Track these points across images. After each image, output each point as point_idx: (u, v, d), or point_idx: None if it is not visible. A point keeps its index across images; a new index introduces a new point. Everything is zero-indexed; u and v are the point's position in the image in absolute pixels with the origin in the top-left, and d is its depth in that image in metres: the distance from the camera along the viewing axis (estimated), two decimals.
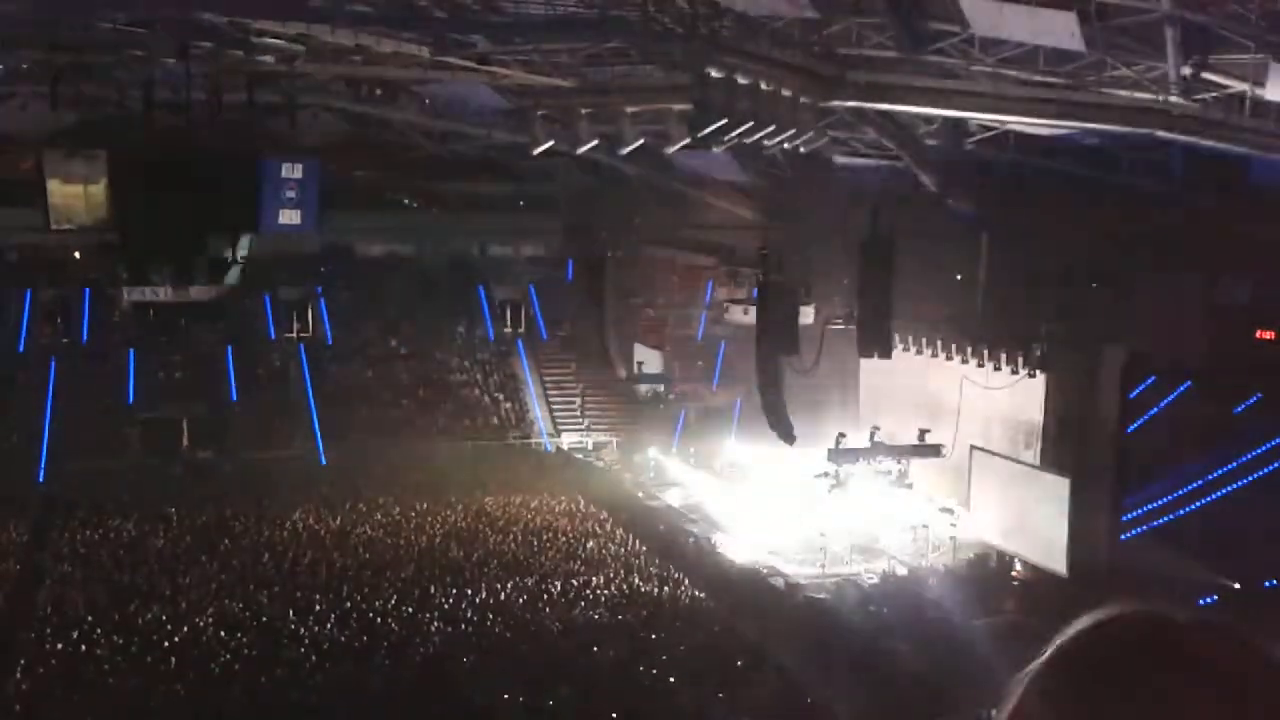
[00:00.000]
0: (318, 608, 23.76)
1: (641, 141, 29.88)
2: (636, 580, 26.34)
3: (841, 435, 31.21)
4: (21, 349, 39.29)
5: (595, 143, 30.65)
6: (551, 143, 31.63)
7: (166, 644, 21.57)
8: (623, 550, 29.08)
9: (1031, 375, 29.49)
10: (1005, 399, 30.07)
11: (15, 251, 41.50)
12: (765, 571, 28.14)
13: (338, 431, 38.69)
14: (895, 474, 30.96)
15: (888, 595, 26.30)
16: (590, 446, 40.75)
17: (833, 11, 23.84)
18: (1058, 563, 26.11)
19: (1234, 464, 27.77)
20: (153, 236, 39.97)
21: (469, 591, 25.04)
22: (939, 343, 32.87)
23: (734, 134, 26.18)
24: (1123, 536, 26.94)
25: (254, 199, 40.58)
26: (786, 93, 25.54)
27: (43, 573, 26.15)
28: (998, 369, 30.63)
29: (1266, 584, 24.97)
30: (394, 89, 34.64)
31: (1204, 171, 27.60)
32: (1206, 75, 21.16)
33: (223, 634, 22.09)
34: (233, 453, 36.96)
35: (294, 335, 42.43)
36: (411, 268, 45.28)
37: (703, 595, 25.66)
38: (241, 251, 28.24)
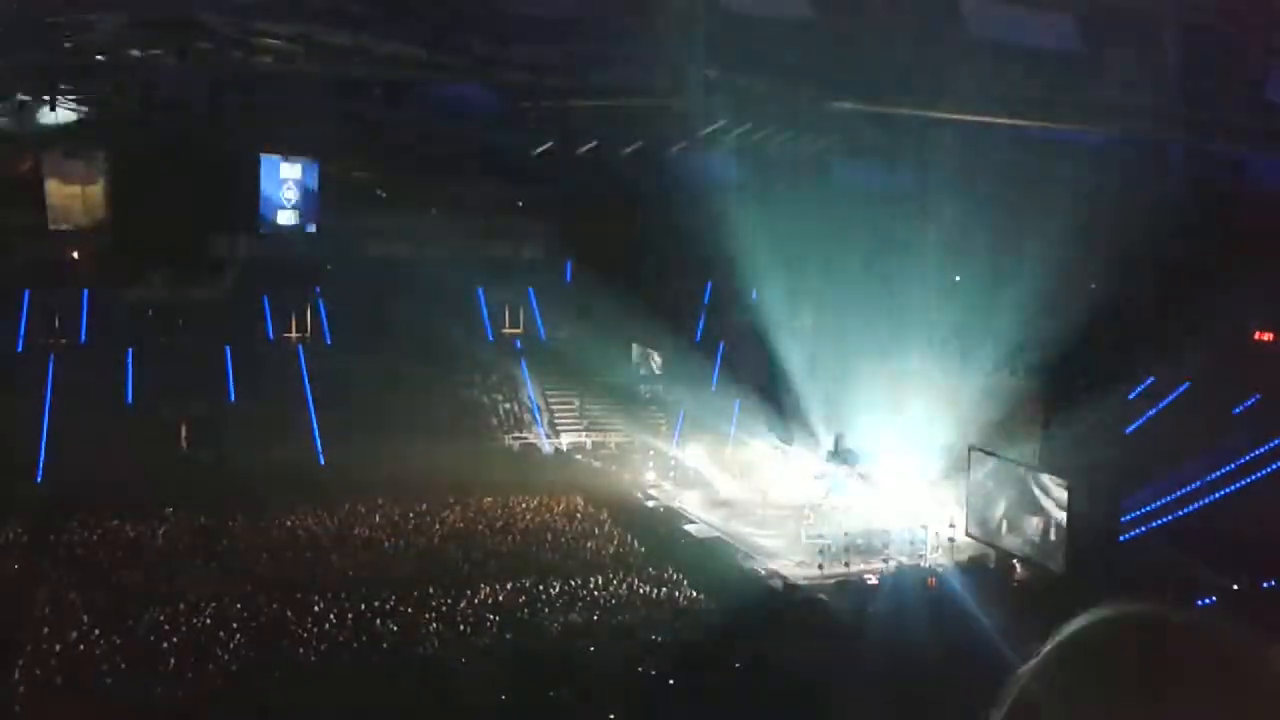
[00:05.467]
0: (316, 608, 23.73)
1: (640, 143, 29.91)
2: (635, 581, 26.32)
3: (840, 436, 31.21)
4: (20, 349, 39.23)
5: (594, 144, 30.68)
6: (550, 143, 31.66)
7: (165, 644, 21.55)
8: (621, 550, 29.08)
9: (1032, 376, 29.50)
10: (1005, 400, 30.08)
11: (15, 251, 41.44)
12: (764, 572, 28.14)
13: (336, 432, 38.62)
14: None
15: (886, 596, 26.30)
16: (589, 447, 40.75)
17: (831, 12, 23.87)
18: (1057, 563, 26.11)
19: (1233, 465, 27.79)
20: (152, 237, 40.08)
21: (467, 592, 25.02)
22: (939, 342, 32.86)
23: (732, 135, 26.22)
24: (1122, 537, 26.94)
25: (253, 199, 40.64)
26: (784, 94, 25.58)
27: (41, 573, 26.11)
28: (998, 369, 30.64)
29: (1265, 584, 24.97)
30: (393, 89, 34.62)
31: (1204, 172, 27.64)
32: (1206, 77, 21.19)
33: (221, 634, 22.06)
34: (231, 453, 36.87)
35: (292, 335, 42.41)
36: (410, 269, 45.18)
37: (702, 596, 25.65)
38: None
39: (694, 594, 25.63)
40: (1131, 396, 28.07)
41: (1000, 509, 28.36)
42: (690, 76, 25.15)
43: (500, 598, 24.77)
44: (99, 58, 29.23)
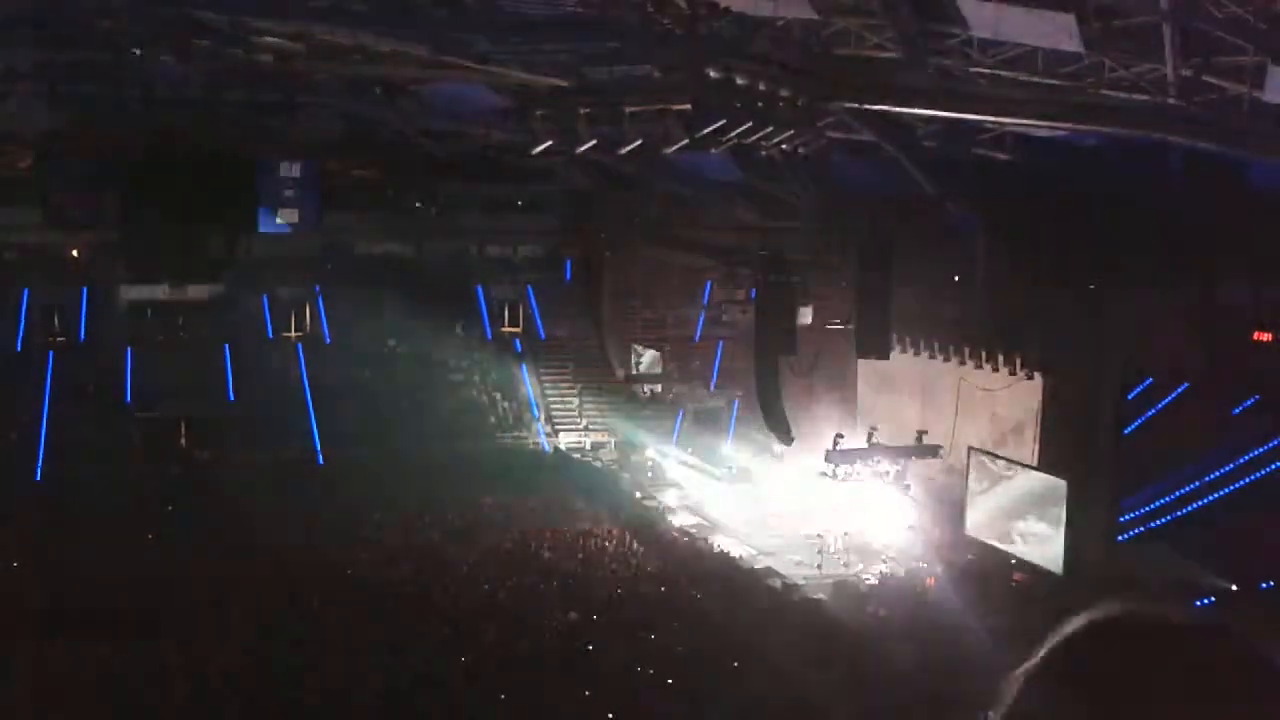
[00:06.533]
0: (314, 608, 23.74)
1: (640, 142, 29.86)
2: (633, 580, 26.34)
3: (839, 436, 31.19)
4: (19, 348, 39.23)
5: (594, 143, 30.64)
6: (550, 143, 31.61)
7: (163, 644, 21.54)
8: (620, 550, 29.08)
9: (1029, 377, 29.52)
10: (1003, 400, 30.13)
11: (13, 250, 41.46)
12: (763, 572, 28.14)
13: (335, 431, 38.66)
14: (893, 475, 30.95)
15: (885, 596, 26.31)
16: (588, 446, 40.75)
17: (831, 12, 23.84)
18: (1055, 564, 26.14)
19: (1231, 466, 27.82)
20: (151, 235, 40.13)
21: (466, 591, 25.04)
22: (937, 344, 32.91)
23: (732, 135, 26.19)
24: (1120, 538, 26.98)
25: (253, 198, 40.68)
26: (785, 94, 25.56)
27: (40, 573, 26.10)
28: (995, 370, 30.67)
29: (1263, 585, 25.00)
30: (393, 88, 34.59)
31: (1203, 174, 27.65)
32: (1205, 78, 21.17)
33: (220, 634, 22.06)
34: (230, 452, 36.91)
35: (292, 335, 42.41)
36: (409, 267, 45.26)
37: (700, 596, 25.67)
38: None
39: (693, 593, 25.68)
40: (1130, 397, 28.07)
41: (998, 509, 28.38)
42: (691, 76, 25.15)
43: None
44: (98, 56, 29.21)
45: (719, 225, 41.35)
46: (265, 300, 42.35)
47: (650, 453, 39.00)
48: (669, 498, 35.30)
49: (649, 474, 37.66)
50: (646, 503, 34.40)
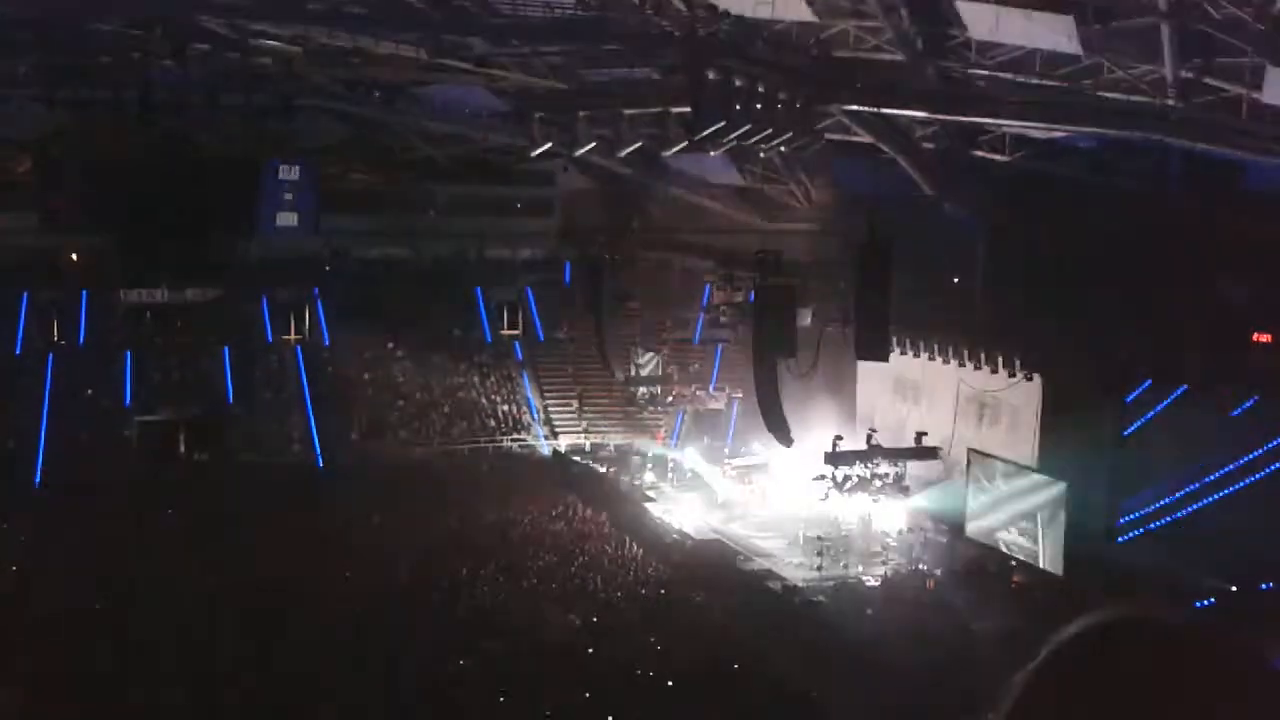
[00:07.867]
0: (313, 611, 23.72)
1: (639, 144, 29.93)
2: (633, 583, 26.32)
3: (839, 438, 31.18)
4: (19, 351, 39.18)
5: (593, 145, 30.69)
6: (549, 145, 31.68)
7: (162, 647, 21.52)
8: (620, 553, 29.06)
9: (1029, 378, 29.51)
10: (1003, 402, 30.12)
11: (12, 254, 41.43)
12: (763, 575, 28.11)
13: (334, 434, 38.64)
14: (892, 477, 30.93)
15: (885, 598, 26.29)
16: (588, 448, 40.72)
17: (830, 15, 23.88)
18: (1055, 566, 26.12)
19: (1230, 467, 27.76)
20: (150, 239, 40.05)
21: (465, 594, 25.02)
22: (936, 346, 32.90)
23: (731, 137, 26.25)
24: (1120, 540, 26.95)
25: (252, 202, 40.60)
26: (783, 96, 25.60)
27: (39, 575, 26.09)
28: (995, 371, 30.65)
29: (1263, 586, 24.96)
30: (392, 91, 34.63)
31: (1200, 175, 27.66)
32: (1204, 79, 21.21)
33: (218, 637, 22.05)
34: (229, 455, 36.89)
35: (291, 337, 42.35)
36: (408, 270, 45.22)
37: (700, 598, 25.65)
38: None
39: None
40: (1129, 399, 28.07)
41: (997, 510, 28.37)
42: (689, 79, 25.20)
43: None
44: (98, 60, 29.23)
45: (717, 228, 41.39)
46: (264, 303, 42.29)
47: (650, 455, 38.97)
48: (669, 499, 35.24)
49: (649, 476, 37.62)
50: (646, 505, 34.35)
